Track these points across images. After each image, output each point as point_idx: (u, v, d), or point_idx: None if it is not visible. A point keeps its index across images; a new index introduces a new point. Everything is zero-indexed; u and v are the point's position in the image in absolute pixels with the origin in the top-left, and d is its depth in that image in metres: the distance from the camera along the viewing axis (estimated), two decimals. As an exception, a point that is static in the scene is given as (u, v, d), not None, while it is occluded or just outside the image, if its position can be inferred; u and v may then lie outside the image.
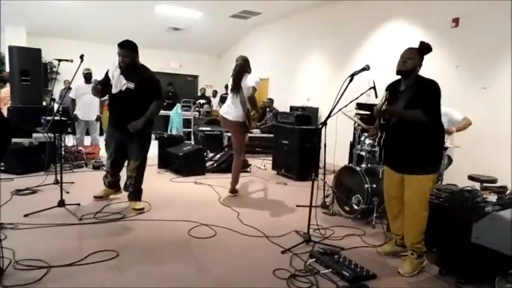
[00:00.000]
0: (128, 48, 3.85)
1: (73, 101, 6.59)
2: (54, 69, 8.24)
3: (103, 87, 4.01)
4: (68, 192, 4.49)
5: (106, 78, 4.03)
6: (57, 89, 9.76)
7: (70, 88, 6.24)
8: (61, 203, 3.92)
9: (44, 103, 7.16)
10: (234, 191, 5.01)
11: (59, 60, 4.31)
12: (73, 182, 5.12)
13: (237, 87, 4.61)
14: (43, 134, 5.39)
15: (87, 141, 6.98)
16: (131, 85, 3.88)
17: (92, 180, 5.46)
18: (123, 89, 3.90)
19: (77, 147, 6.43)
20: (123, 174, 4.37)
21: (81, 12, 9.61)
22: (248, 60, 4.71)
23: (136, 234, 3.49)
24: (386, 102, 2.96)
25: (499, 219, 1.57)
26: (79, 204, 4.13)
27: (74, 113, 6.57)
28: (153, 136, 4.62)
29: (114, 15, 9.87)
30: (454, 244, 2.71)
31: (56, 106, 5.19)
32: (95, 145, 6.85)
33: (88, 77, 6.59)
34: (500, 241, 1.57)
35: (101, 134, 7.27)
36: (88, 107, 6.66)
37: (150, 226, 3.72)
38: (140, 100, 3.94)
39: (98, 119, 6.91)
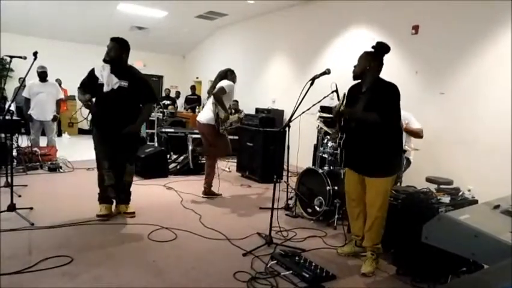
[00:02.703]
0: (117, 42, 3.76)
1: (27, 100, 6.29)
2: (7, 67, 7.82)
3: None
4: (20, 196, 4.27)
5: (92, 78, 3.78)
6: (11, 87, 9.29)
7: (23, 86, 5.94)
8: (11, 207, 3.70)
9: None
10: (208, 191, 5.01)
11: (11, 57, 4.07)
12: (26, 185, 4.87)
13: (211, 90, 4.77)
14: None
15: (43, 142, 6.66)
16: (125, 83, 3.72)
17: (47, 183, 5.23)
18: (115, 87, 3.71)
19: (32, 148, 6.13)
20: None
21: (39, 7, 9.20)
22: (232, 71, 5.01)
23: (92, 239, 3.35)
24: (343, 103, 3.00)
25: (447, 220, 1.62)
26: (31, 208, 3.94)
27: (28, 112, 6.27)
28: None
29: (74, 12, 9.51)
30: (409, 244, 2.79)
31: (8, 105, 4.92)
32: (51, 146, 6.55)
33: (42, 75, 6.31)
34: (448, 241, 1.62)
35: (59, 134, 6.96)
36: (43, 107, 6.35)
37: (108, 230, 3.59)
38: (132, 99, 3.80)
39: (55, 119, 6.61)
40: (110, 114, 3.75)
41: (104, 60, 3.74)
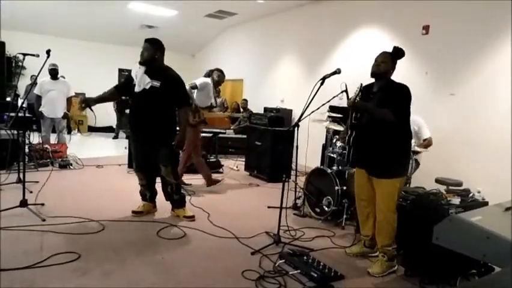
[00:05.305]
0: (150, 43, 3.73)
1: (38, 97, 6.37)
2: (20, 64, 7.93)
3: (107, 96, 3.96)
4: (31, 192, 4.32)
5: (129, 78, 3.83)
6: (23, 84, 9.40)
7: (35, 84, 6.02)
8: (23, 203, 3.75)
9: (8, 98, 6.87)
10: (210, 181, 5.24)
11: (24, 55, 4.13)
12: (37, 181, 4.92)
13: None
14: (5, 130, 5.17)
15: (54, 139, 6.73)
16: (157, 83, 3.63)
17: (57, 180, 5.28)
18: (147, 87, 3.64)
19: (43, 145, 6.20)
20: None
21: (50, 5, 9.29)
22: (220, 70, 5.24)
23: (102, 236, 3.39)
24: (359, 94, 2.98)
25: (458, 221, 1.62)
26: (43, 204, 3.99)
27: (40, 109, 6.35)
28: (123, 135, 4.50)
29: (85, 10, 9.58)
30: (419, 245, 2.77)
31: (20, 102, 4.99)
32: (61, 143, 6.62)
33: (53, 72, 6.38)
34: (459, 242, 1.62)
35: (68, 132, 7.03)
36: (54, 104, 6.42)
37: (118, 227, 3.62)
38: (164, 100, 3.69)
39: (65, 116, 6.68)
40: (141, 115, 3.75)
41: (140, 63, 3.72)
